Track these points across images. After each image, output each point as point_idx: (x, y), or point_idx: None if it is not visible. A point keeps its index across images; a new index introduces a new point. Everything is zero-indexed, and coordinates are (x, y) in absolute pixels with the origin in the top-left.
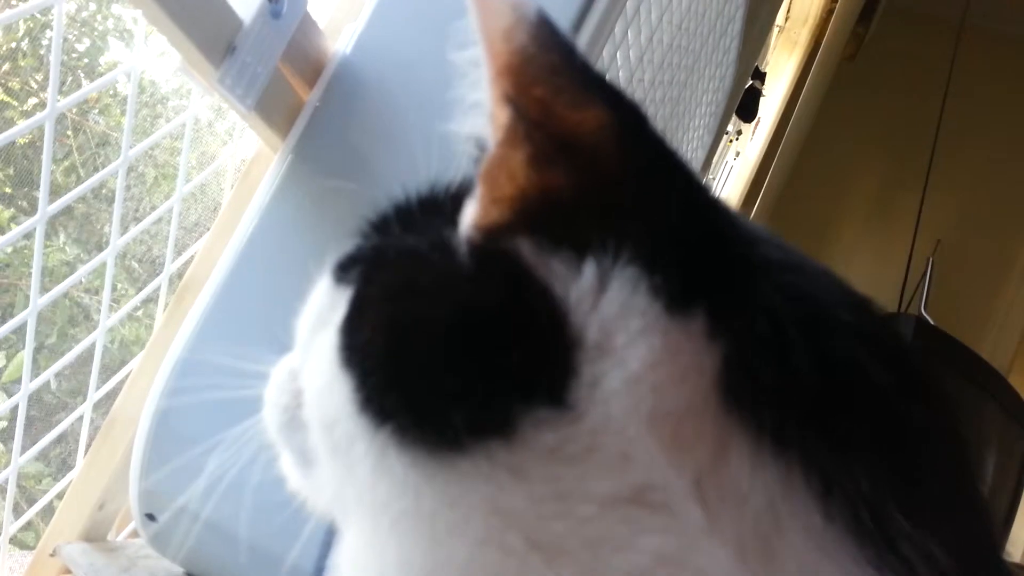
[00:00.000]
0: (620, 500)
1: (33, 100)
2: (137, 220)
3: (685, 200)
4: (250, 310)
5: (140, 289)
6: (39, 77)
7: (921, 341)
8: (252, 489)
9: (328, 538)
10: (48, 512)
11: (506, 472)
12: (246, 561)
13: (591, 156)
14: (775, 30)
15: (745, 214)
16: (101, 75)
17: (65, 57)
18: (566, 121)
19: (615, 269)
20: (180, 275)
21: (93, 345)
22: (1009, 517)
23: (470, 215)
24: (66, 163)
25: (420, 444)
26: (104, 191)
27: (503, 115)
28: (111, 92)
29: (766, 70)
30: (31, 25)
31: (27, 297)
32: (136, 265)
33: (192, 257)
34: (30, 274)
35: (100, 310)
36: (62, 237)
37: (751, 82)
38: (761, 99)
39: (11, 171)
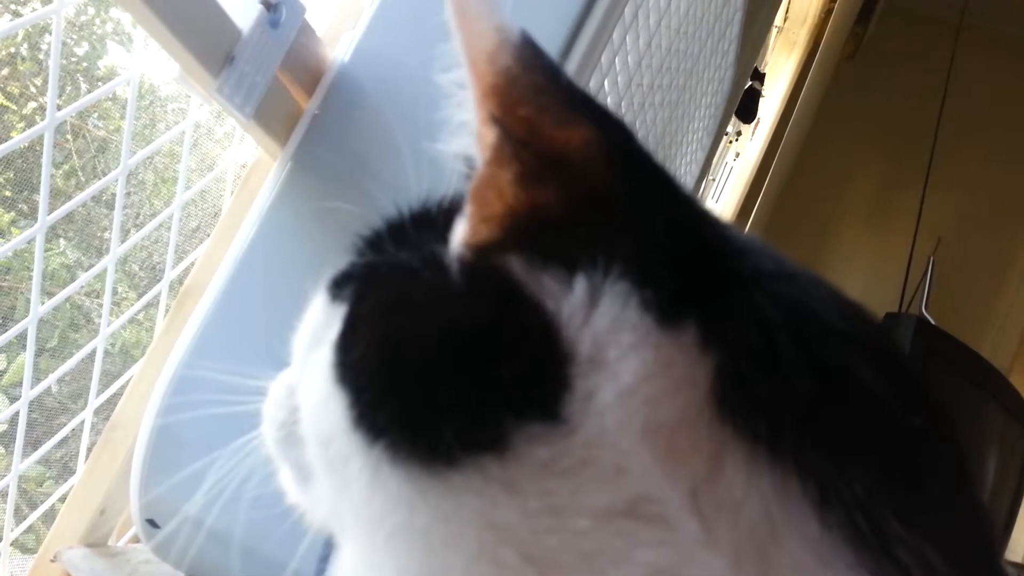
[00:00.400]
0: (615, 513)
1: (32, 104)
2: (138, 226)
3: (673, 214)
4: (250, 317)
5: (141, 294)
6: (38, 81)
7: (922, 341)
8: (253, 498)
9: (326, 551)
10: (50, 516)
11: (499, 487)
12: (247, 568)
13: (579, 173)
14: (774, 31)
15: (745, 215)
16: (100, 79)
17: (64, 61)
18: (553, 140)
19: (606, 284)
20: (181, 280)
21: (94, 350)
22: (1011, 517)
23: (460, 233)
24: (66, 167)
25: (413, 460)
26: (104, 196)
27: (490, 135)
28: (111, 96)
29: (765, 71)
30: (30, 30)
31: (28, 301)
32: (137, 269)
33: (193, 263)
34: (31, 278)
35: (101, 314)
36: (62, 242)
37: (750, 83)
38: (760, 100)
39: (11, 175)
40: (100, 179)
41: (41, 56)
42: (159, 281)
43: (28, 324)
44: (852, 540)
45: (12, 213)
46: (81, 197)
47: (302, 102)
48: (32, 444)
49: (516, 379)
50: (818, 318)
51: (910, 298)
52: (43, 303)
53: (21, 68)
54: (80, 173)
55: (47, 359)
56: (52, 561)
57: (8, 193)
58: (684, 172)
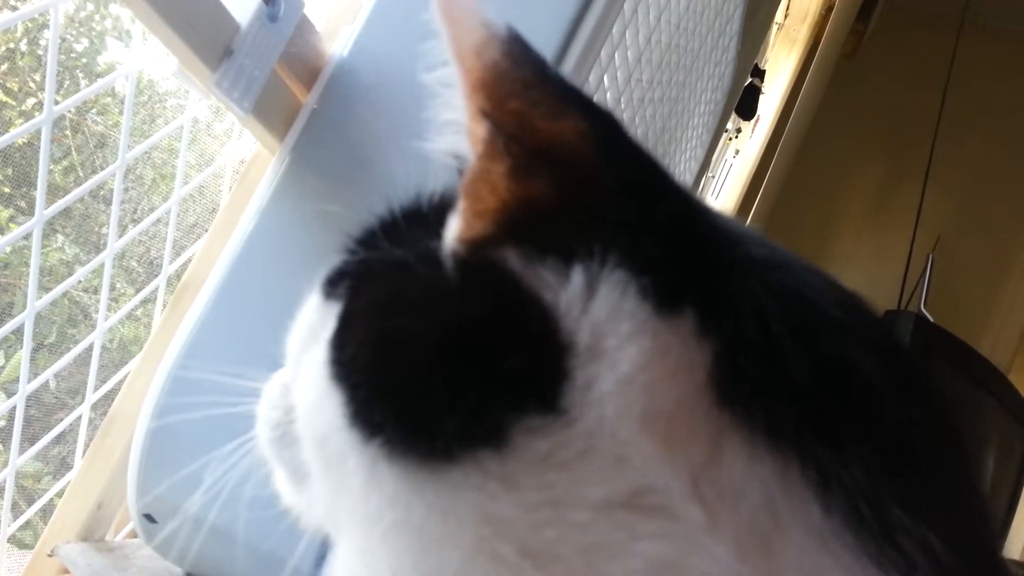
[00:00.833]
0: (615, 505)
1: (32, 100)
2: (136, 221)
3: (668, 203)
4: (248, 312)
5: (139, 290)
6: (37, 77)
7: (921, 338)
8: (252, 496)
9: (323, 551)
10: (47, 512)
11: (497, 481)
12: (246, 562)
13: (571, 165)
14: (774, 27)
15: (745, 212)
16: (99, 75)
17: (63, 57)
18: (543, 132)
19: (603, 274)
20: (179, 275)
21: (91, 345)
22: (1009, 514)
23: (454, 229)
24: (65, 163)
25: (410, 456)
26: (102, 191)
27: (480, 129)
28: (110, 92)
29: (765, 68)
30: (29, 25)
31: (26, 296)
32: (136, 265)
33: (190, 258)
34: (29, 273)
35: (99, 310)
36: (60, 238)
37: (750, 80)
38: (760, 97)
39: (9, 171)
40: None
41: (40, 52)
42: (157, 277)
43: (25, 318)
44: (854, 526)
45: (11, 209)
46: (78, 191)
47: (301, 97)
48: (30, 440)
49: (515, 372)
50: (814, 306)
51: (909, 295)
52: (41, 298)
53: (20, 64)
54: (79, 169)
55: (45, 355)
56: (49, 556)
57: (7, 189)
58: (684, 168)
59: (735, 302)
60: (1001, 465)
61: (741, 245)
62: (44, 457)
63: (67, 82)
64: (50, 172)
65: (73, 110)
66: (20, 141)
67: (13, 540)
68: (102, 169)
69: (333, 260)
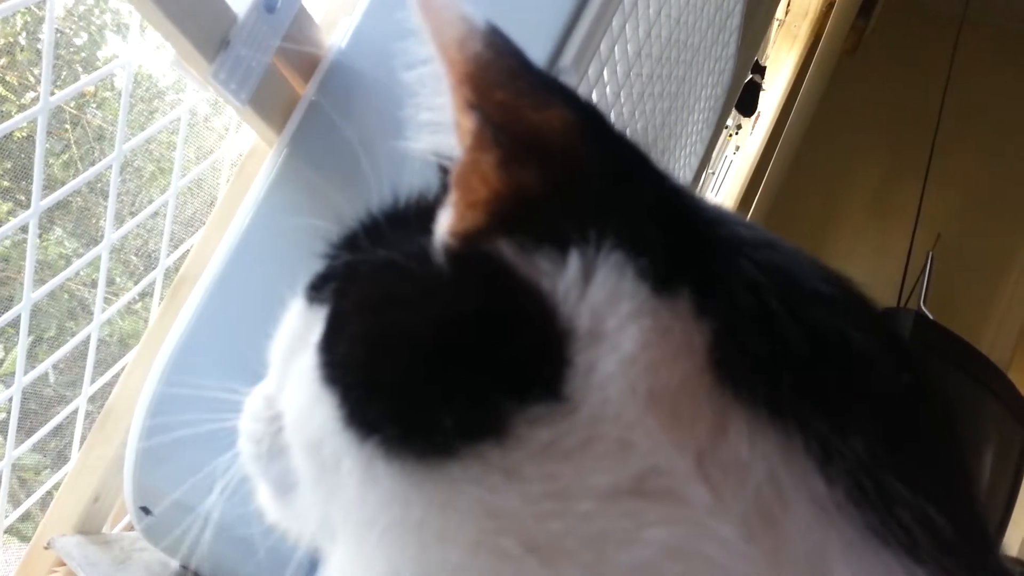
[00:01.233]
0: (621, 492)
1: (31, 94)
2: (134, 214)
3: (656, 186)
4: (245, 305)
5: (138, 283)
6: (36, 71)
7: (920, 336)
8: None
9: (314, 565)
10: (46, 504)
11: (499, 473)
12: (244, 556)
13: (560, 153)
14: (775, 24)
15: (745, 209)
16: (99, 69)
17: (63, 51)
18: (531, 122)
19: (599, 257)
20: (177, 268)
21: (88, 338)
22: (1007, 512)
23: (445, 222)
24: (64, 157)
25: (407, 452)
26: (100, 185)
27: (468, 122)
28: (109, 86)
29: (766, 64)
30: (28, 19)
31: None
32: (134, 259)
33: (188, 251)
34: (33, 271)
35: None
36: (60, 232)
37: (751, 76)
38: (761, 93)
39: (9, 165)
40: (103, 173)
41: (39, 46)
42: (155, 270)
43: (21, 310)
44: (856, 499)
45: (10, 203)
46: (75, 182)
47: (299, 88)
48: (28, 433)
49: (514, 361)
50: (804, 282)
51: (909, 293)
52: (40, 293)
53: (20, 58)
54: (79, 163)
55: (45, 350)
56: (46, 548)
57: (6, 183)
58: (684, 164)
59: (729, 280)
60: (999, 462)
61: (727, 225)
62: (43, 450)
63: (66, 76)
64: (49, 166)
65: (72, 104)
66: (19, 135)
67: (14, 532)
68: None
69: (314, 266)
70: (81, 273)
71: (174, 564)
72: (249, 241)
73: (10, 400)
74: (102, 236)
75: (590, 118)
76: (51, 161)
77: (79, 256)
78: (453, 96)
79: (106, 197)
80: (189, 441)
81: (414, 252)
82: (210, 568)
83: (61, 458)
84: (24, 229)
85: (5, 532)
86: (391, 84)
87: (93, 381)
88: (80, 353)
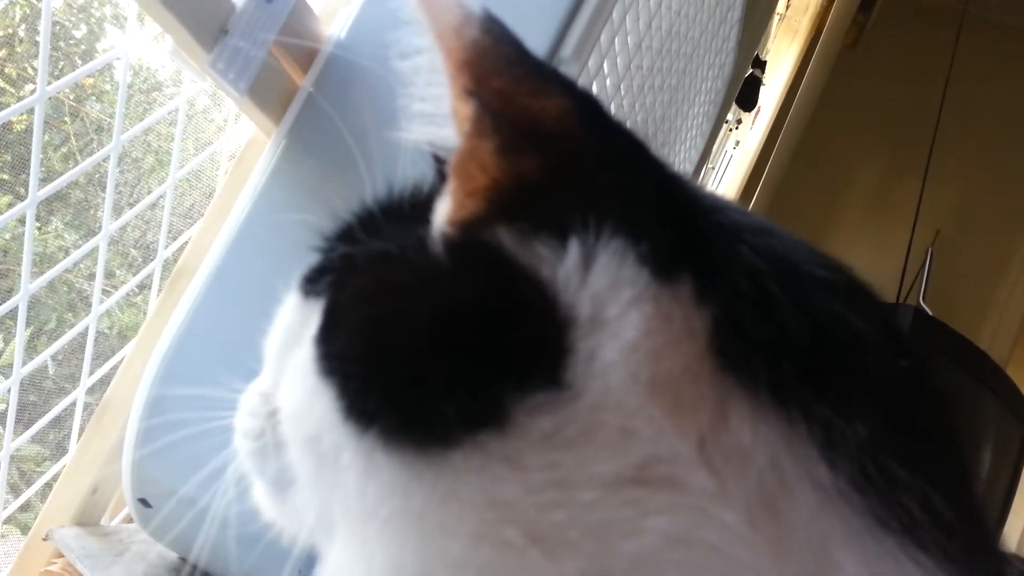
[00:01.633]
0: (624, 480)
1: (30, 86)
2: (132, 206)
3: (654, 173)
4: (243, 298)
5: (136, 276)
6: (35, 64)
7: (919, 331)
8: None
9: (315, 553)
10: (47, 495)
11: (501, 462)
12: (242, 550)
13: (559, 140)
14: (776, 18)
15: (744, 203)
16: (96, 59)
17: (62, 44)
18: (529, 109)
19: (599, 244)
20: (176, 260)
21: (87, 329)
22: (1005, 508)
23: (443, 211)
24: (63, 149)
25: (408, 442)
26: (99, 177)
27: (466, 109)
28: (108, 79)
29: (767, 59)
30: (27, 12)
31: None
32: (133, 251)
33: (187, 243)
34: (31, 261)
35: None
36: (59, 225)
37: (751, 70)
38: (761, 88)
39: (8, 158)
40: (101, 165)
41: (39, 38)
42: (153, 261)
43: (19, 300)
44: (860, 485)
45: (9, 196)
46: (73, 172)
47: (298, 79)
48: (29, 425)
49: (514, 350)
50: (803, 267)
51: (908, 288)
52: (40, 285)
53: (19, 50)
54: (78, 155)
55: (45, 342)
56: (44, 540)
57: (6, 176)
58: (684, 158)
59: (729, 265)
60: (998, 458)
61: (724, 212)
62: (43, 441)
63: (66, 68)
64: (48, 159)
65: (72, 97)
66: (19, 128)
67: (15, 523)
68: (104, 159)
69: (312, 258)
70: (80, 266)
71: (172, 556)
72: (247, 232)
73: (5, 389)
74: (101, 228)
75: (588, 106)
76: (50, 154)
77: (78, 248)
78: (451, 83)
79: (104, 189)
80: (188, 435)
81: (412, 242)
82: (209, 561)
83: (60, 449)
84: (23, 221)
85: (6, 523)
86: (390, 75)
87: (92, 373)
88: (80, 345)
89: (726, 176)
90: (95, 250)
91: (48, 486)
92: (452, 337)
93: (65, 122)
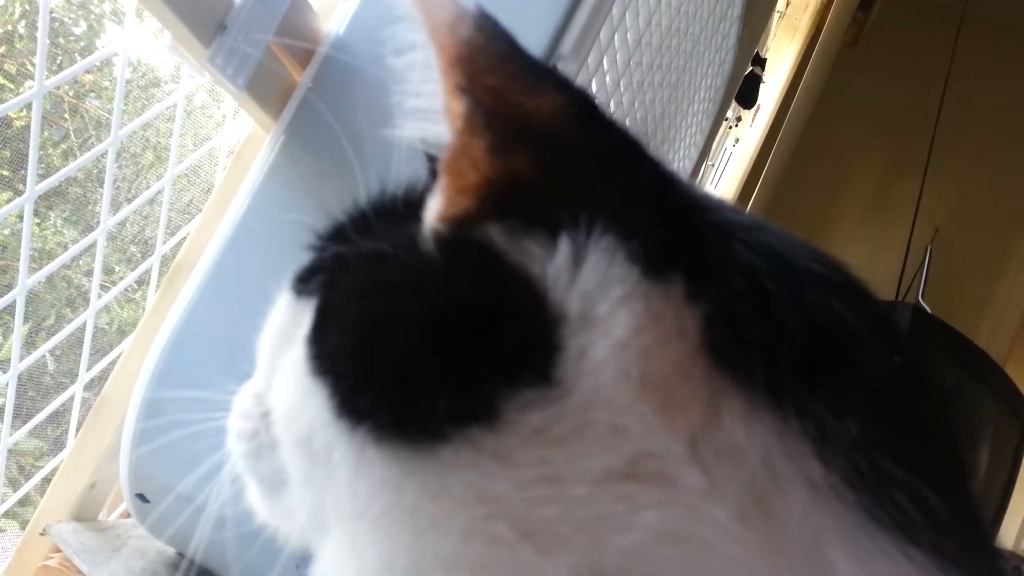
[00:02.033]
0: (614, 476)
1: (29, 83)
2: (131, 202)
3: (647, 170)
4: (241, 293)
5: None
6: (35, 60)
7: (918, 329)
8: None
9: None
10: (46, 490)
11: (490, 458)
12: (239, 544)
13: (552, 138)
14: (776, 16)
15: (744, 201)
16: (95, 54)
17: (62, 40)
18: (522, 107)
19: (589, 242)
20: (174, 256)
21: (85, 324)
22: (1002, 506)
23: (435, 208)
24: (63, 146)
25: (399, 438)
26: (98, 173)
27: (459, 106)
28: (108, 76)
29: (766, 56)
30: (27, 8)
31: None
32: (131, 248)
33: (185, 238)
34: (29, 255)
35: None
36: (58, 221)
37: (751, 68)
38: (761, 85)
39: (8, 154)
40: (100, 161)
41: (39, 35)
42: (151, 256)
43: (17, 295)
44: (853, 481)
45: (8, 192)
46: (71, 167)
47: (296, 75)
48: (27, 421)
49: (504, 347)
50: (798, 263)
51: (907, 286)
52: (39, 281)
53: (18, 46)
54: (77, 152)
55: (44, 338)
56: (42, 534)
57: (5, 172)
58: (683, 155)
59: (723, 263)
60: (995, 457)
61: (717, 210)
62: (42, 436)
63: (65, 64)
64: (48, 155)
65: (71, 94)
66: (18, 124)
67: (15, 517)
68: (103, 155)
69: (307, 256)
70: (80, 262)
71: (169, 551)
72: (245, 228)
73: (3, 384)
74: (99, 224)
75: (581, 103)
76: (50, 151)
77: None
78: (444, 80)
79: (104, 185)
80: (185, 434)
81: (403, 241)
82: (206, 558)
83: (59, 445)
84: (22, 217)
85: (7, 518)
86: (388, 72)
87: (90, 368)
88: (78, 341)
89: (726, 173)
90: (93, 246)
91: (46, 481)
92: (442, 334)
93: (64, 119)
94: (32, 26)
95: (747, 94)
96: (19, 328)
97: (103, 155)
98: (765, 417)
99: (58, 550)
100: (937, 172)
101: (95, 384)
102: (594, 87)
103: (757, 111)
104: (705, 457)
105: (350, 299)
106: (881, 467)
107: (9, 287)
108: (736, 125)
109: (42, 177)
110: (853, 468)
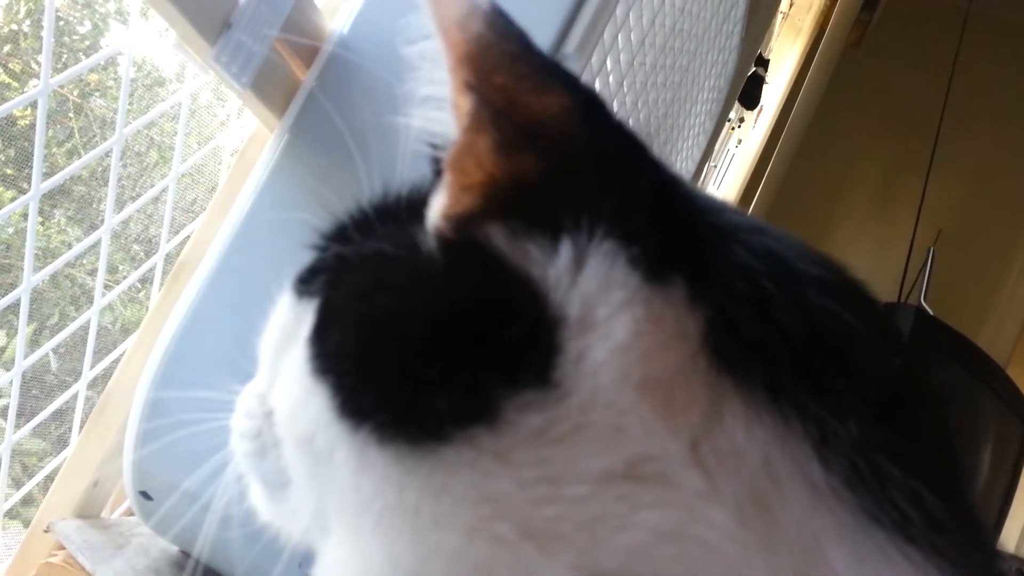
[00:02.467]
0: (615, 476)
1: (34, 82)
2: (135, 200)
3: (650, 174)
4: (245, 293)
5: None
6: (40, 59)
7: (920, 331)
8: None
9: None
10: (48, 489)
11: (492, 458)
12: (245, 543)
13: (557, 139)
14: (779, 16)
15: (746, 202)
16: (100, 52)
17: (67, 39)
18: (530, 107)
19: (591, 245)
20: (178, 254)
21: (89, 323)
22: (1004, 508)
23: (439, 205)
24: (68, 145)
25: (400, 438)
26: (102, 172)
27: (466, 103)
28: (113, 75)
29: (769, 57)
30: (32, 7)
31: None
32: (135, 247)
33: (188, 237)
34: (33, 254)
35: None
36: (63, 220)
37: (754, 69)
38: (764, 86)
39: (12, 153)
40: (104, 160)
41: (44, 33)
42: (155, 255)
43: (21, 293)
44: (852, 482)
45: (13, 191)
46: (76, 165)
47: (300, 73)
48: (29, 419)
49: (504, 348)
50: (797, 265)
51: (910, 288)
52: (43, 280)
53: (23, 46)
54: (82, 151)
55: (48, 336)
56: (45, 532)
57: (9, 171)
58: (686, 156)
59: (724, 266)
60: (998, 458)
61: (719, 212)
62: (46, 436)
63: (70, 63)
64: (53, 154)
65: (76, 93)
66: (23, 123)
67: (19, 517)
68: (106, 153)
69: (309, 256)
70: (84, 262)
71: (173, 549)
72: (249, 227)
73: (7, 382)
74: (103, 222)
75: (589, 105)
76: (55, 150)
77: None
78: (452, 77)
79: (108, 185)
80: (189, 433)
81: (405, 241)
82: (211, 556)
83: (62, 443)
84: (26, 216)
85: (10, 517)
86: (393, 70)
87: (93, 367)
88: (82, 339)
89: (728, 174)
90: (97, 244)
91: (50, 479)
92: (443, 335)
93: (70, 118)
94: (37, 25)
95: (750, 95)
96: (23, 326)
97: (107, 154)
98: (765, 419)
99: (61, 547)
100: (940, 173)
101: (98, 382)
102: (597, 87)
103: (760, 112)
104: (705, 459)
105: (351, 299)
106: (880, 468)
107: (13, 285)
108: (739, 126)
109: (47, 176)
110: (853, 469)
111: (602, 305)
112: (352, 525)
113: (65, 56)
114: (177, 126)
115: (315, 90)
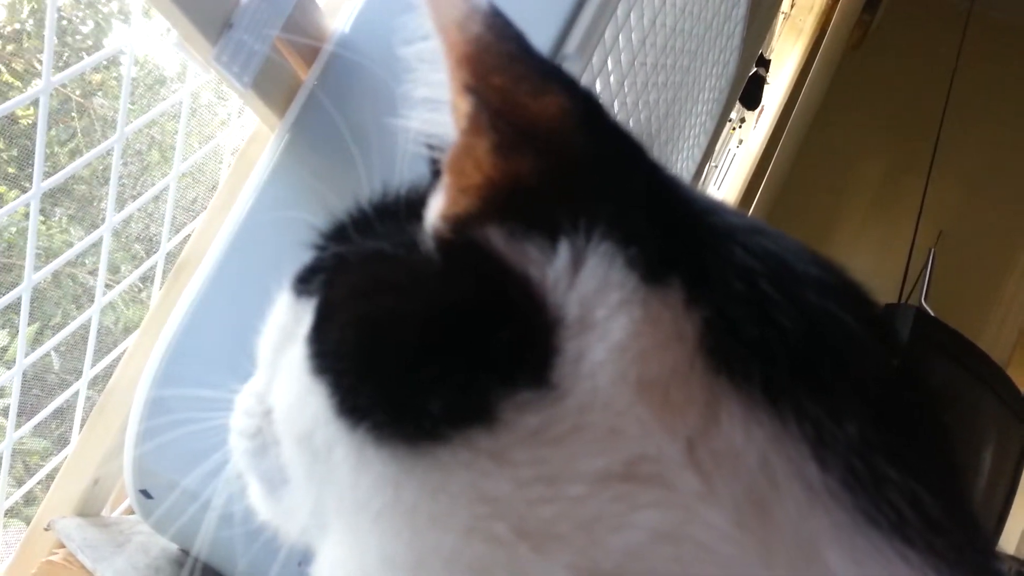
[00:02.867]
0: (612, 477)
1: (37, 81)
2: (135, 197)
3: (648, 176)
4: (245, 292)
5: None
6: (43, 58)
7: (921, 332)
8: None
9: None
10: (49, 487)
11: (489, 458)
12: (244, 542)
13: (555, 141)
14: (780, 17)
15: (747, 203)
16: (101, 51)
17: (69, 39)
18: (528, 109)
19: (589, 247)
20: (179, 253)
21: (90, 321)
22: (1005, 509)
23: (437, 206)
24: (70, 145)
25: (398, 437)
26: (104, 171)
27: (465, 105)
28: (115, 75)
29: (771, 57)
30: (35, 6)
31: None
32: (136, 246)
33: (189, 236)
34: (34, 253)
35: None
36: (64, 219)
37: (755, 69)
38: (765, 87)
39: (15, 152)
40: (106, 160)
41: (46, 31)
42: (156, 254)
43: (22, 291)
44: (849, 483)
45: (16, 191)
46: (77, 163)
47: (301, 73)
48: (30, 418)
49: (502, 348)
50: (795, 266)
51: (910, 289)
52: (44, 278)
53: (26, 45)
54: (84, 151)
55: (49, 336)
56: (46, 530)
57: (12, 170)
58: (687, 156)
59: (721, 267)
60: (998, 460)
61: (717, 214)
62: (47, 435)
63: (73, 63)
64: (55, 154)
65: (79, 93)
66: (26, 123)
67: (20, 516)
68: (109, 153)
69: (308, 256)
70: (86, 261)
71: (173, 547)
72: (250, 226)
73: (7, 380)
74: (105, 221)
75: (587, 106)
76: (57, 149)
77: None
78: (450, 78)
79: (109, 184)
80: (189, 431)
81: (404, 241)
82: (211, 555)
83: (63, 442)
84: (28, 215)
85: (11, 515)
86: (394, 70)
87: (94, 365)
88: (83, 338)
89: (729, 175)
90: (99, 243)
91: (51, 477)
92: (441, 335)
93: (72, 118)
94: (40, 24)
95: (751, 95)
96: (24, 325)
97: (109, 153)
98: (763, 420)
99: (62, 546)
100: (941, 175)
101: (99, 381)
102: (598, 87)
103: (761, 113)
104: (703, 460)
105: (350, 299)
106: (877, 469)
107: (15, 284)
108: (740, 126)
109: (48, 175)
110: (850, 470)
111: (600, 306)
112: (350, 524)
113: (67, 55)
114: (178, 125)
115: (316, 90)
